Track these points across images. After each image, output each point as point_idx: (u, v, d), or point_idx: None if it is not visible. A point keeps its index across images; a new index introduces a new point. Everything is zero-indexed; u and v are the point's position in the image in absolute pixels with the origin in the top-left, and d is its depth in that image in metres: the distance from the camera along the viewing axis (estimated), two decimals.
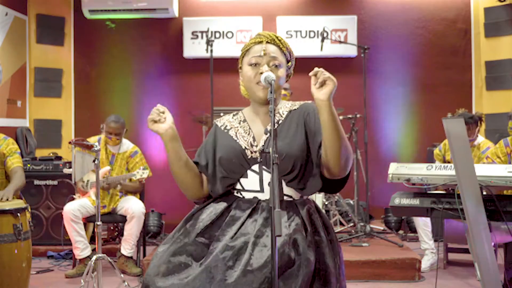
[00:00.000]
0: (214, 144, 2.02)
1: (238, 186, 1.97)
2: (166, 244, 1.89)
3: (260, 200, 1.91)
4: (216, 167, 1.98)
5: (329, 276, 1.83)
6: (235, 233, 1.83)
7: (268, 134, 1.94)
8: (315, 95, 1.76)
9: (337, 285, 1.87)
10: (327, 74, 1.77)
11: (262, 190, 1.92)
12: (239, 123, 2.03)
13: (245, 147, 1.94)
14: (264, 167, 1.92)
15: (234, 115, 2.09)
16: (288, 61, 2.01)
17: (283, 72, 1.96)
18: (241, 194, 1.96)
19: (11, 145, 3.89)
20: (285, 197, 1.91)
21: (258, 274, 1.70)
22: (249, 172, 1.93)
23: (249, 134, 1.98)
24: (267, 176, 1.91)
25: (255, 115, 2.03)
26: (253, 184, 1.93)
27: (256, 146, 1.94)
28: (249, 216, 1.87)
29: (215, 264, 1.75)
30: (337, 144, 1.79)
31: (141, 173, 4.37)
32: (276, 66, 1.94)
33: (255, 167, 1.93)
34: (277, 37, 1.98)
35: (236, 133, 1.99)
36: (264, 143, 1.93)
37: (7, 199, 3.54)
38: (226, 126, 2.05)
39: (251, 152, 1.93)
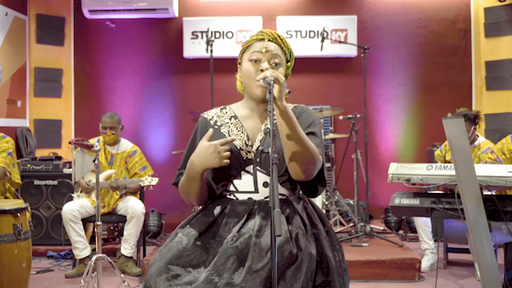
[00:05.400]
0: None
1: (231, 188, 1.93)
2: (163, 250, 1.86)
3: (255, 201, 1.89)
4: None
5: (330, 267, 1.83)
6: (235, 235, 1.81)
7: (267, 133, 1.91)
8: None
9: (339, 279, 1.86)
10: (275, 73, 1.76)
11: (256, 190, 1.89)
12: (230, 119, 1.99)
13: (240, 148, 1.90)
14: (258, 167, 1.89)
15: (222, 109, 2.04)
16: (287, 61, 1.99)
17: (282, 71, 1.93)
18: (234, 196, 1.93)
19: (4, 144, 3.82)
20: (280, 196, 1.90)
21: (263, 274, 1.69)
22: (242, 173, 1.90)
23: (242, 132, 1.94)
24: (261, 177, 1.89)
25: (249, 111, 1.99)
26: (247, 185, 1.90)
27: (251, 146, 1.91)
28: (247, 217, 1.85)
29: (219, 268, 1.75)
30: (292, 147, 1.76)
31: (150, 180, 4.43)
32: (276, 64, 1.92)
33: (249, 167, 1.90)
34: (278, 36, 1.96)
35: (229, 131, 1.95)
36: (260, 143, 1.90)
37: None
38: (216, 121, 2.00)
39: (246, 153, 1.90)
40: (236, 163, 1.90)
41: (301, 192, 1.99)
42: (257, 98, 1.93)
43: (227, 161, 1.82)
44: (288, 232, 1.80)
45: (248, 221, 1.84)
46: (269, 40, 1.94)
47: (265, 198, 1.90)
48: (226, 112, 2.02)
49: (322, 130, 5.45)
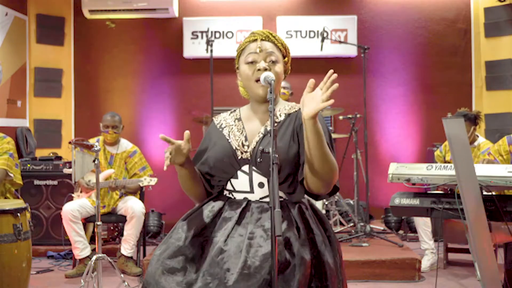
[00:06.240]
0: (209, 144, 2.02)
1: (229, 187, 1.95)
2: (162, 246, 1.89)
3: (250, 201, 1.90)
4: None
5: (328, 273, 1.81)
6: (228, 236, 1.82)
7: (266, 134, 1.92)
8: (310, 107, 1.71)
9: (339, 286, 1.85)
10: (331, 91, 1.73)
11: (252, 191, 1.90)
12: (234, 121, 2.01)
13: (236, 148, 1.92)
14: (254, 168, 1.90)
15: (231, 112, 2.07)
16: (284, 57, 2.00)
17: (280, 67, 1.94)
18: (232, 195, 1.95)
19: (5, 144, 3.81)
20: None
21: (257, 276, 1.69)
22: (239, 173, 1.92)
23: (241, 133, 1.96)
24: (256, 177, 1.90)
25: (252, 113, 2.00)
26: (243, 185, 1.91)
27: (248, 146, 1.92)
28: (240, 217, 1.86)
29: (212, 269, 1.76)
30: (318, 165, 1.77)
31: (149, 180, 4.42)
32: (273, 62, 1.92)
33: (245, 167, 1.91)
34: (271, 34, 1.97)
35: (229, 132, 1.98)
36: (256, 143, 1.91)
37: None
38: (222, 124, 2.03)
39: (241, 153, 1.91)
40: (233, 162, 1.91)
41: (305, 195, 1.98)
42: (260, 98, 1.94)
43: (168, 161, 1.85)
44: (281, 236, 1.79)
45: (241, 222, 1.85)
46: (262, 39, 1.95)
47: (260, 198, 1.90)
48: (234, 115, 2.05)
49: None
